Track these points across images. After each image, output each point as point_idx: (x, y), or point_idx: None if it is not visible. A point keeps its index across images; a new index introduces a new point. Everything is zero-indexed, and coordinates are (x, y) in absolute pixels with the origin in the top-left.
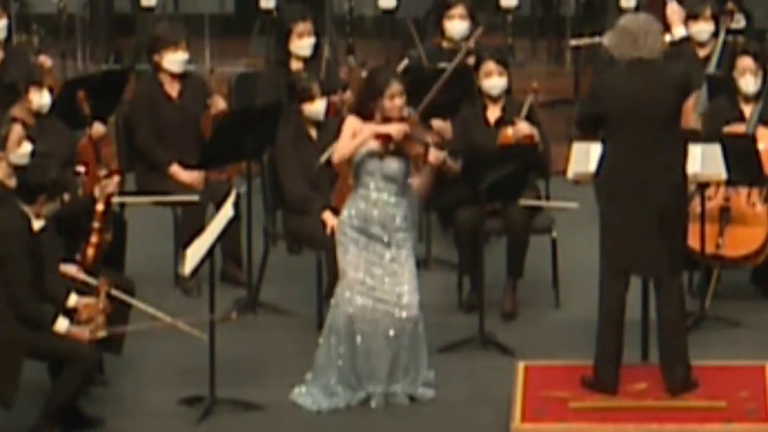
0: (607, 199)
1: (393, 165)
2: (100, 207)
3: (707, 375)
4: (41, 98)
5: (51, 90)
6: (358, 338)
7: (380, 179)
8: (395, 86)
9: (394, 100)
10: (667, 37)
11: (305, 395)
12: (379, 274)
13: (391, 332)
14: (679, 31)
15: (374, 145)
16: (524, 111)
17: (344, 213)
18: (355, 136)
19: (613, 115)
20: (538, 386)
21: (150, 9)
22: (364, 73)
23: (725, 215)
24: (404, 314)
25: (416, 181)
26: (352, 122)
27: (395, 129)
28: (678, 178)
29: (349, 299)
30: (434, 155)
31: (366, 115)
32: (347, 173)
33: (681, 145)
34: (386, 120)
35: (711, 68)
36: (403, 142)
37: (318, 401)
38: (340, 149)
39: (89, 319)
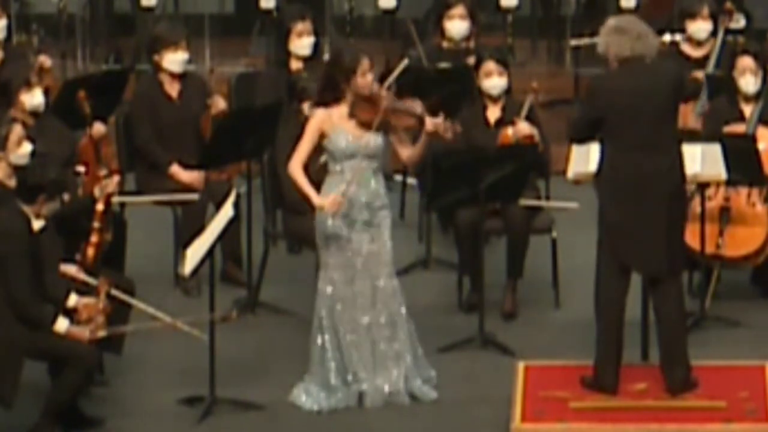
0: (608, 196)
1: (373, 142)
2: (100, 207)
3: (707, 375)
4: (33, 98)
5: (47, 90)
6: (341, 331)
7: (362, 159)
8: (366, 62)
9: (366, 75)
10: (678, 37)
11: (305, 395)
12: (360, 262)
13: (366, 321)
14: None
15: (351, 132)
16: (524, 111)
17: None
18: (322, 133)
19: (612, 115)
20: (538, 386)
21: (150, 9)
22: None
23: (725, 215)
24: (380, 303)
25: (406, 152)
26: (318, 119)
27: (331, 204)
28: (677, 176)
29: (330, 295)
30: (431, 122)
31: (334, 100)
32: None
33: (677, 143)
34: (357, 99)
35: (710, 68)
36: (391, 117)
37: (318, 401)
38: (294, 170)
39: (89, 319)
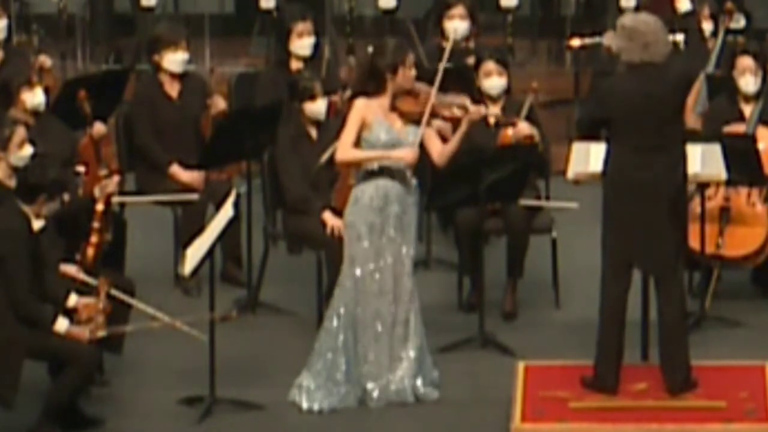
0: (614, 197)
1: (413, 136)
2: (100, 207)
3: (707, 375)
4: (34, 97)
5: (47, 90)
6: (361, 326)
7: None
8: (412, 56)
9: (411, 69)
10: (679, 36)
11: (305, 394)
12: (387, 260)
13: (388, 316)
14: (684, 5)
15: (392, 125)
16: (524, 111)
17: (362, 194)
18: (364, 122)
19: (619, 118)
20: (538, 386)
21: (150, 9)
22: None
23: (725, 215)
24: (401, 301)
25: (437, 148)
26: (360, 108)
27: (410, 154)
28: (681, 176)
29: (354, 288)
30: (475, 110)
31: (376, 91)
32: (347, 173)
33: (683, 143)
34: (399, 92)
35: (710, 68)
36: (439, 108)
37: (318, 401)
38: (345, 153)
39: (89, 319)
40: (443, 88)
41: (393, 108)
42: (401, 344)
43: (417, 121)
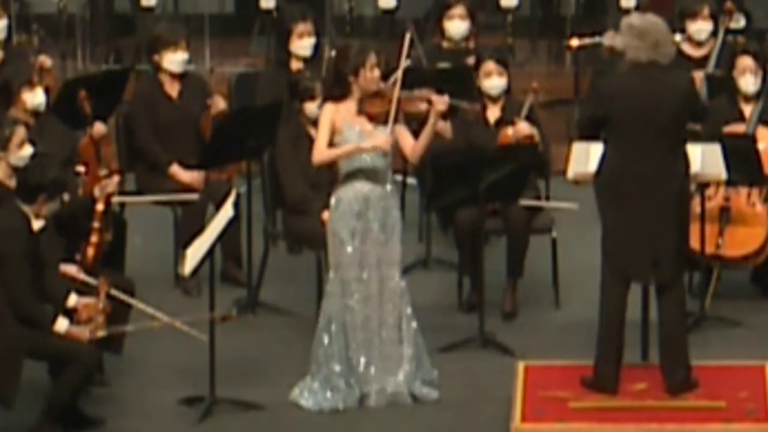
0: (608, 202)
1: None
2: (100, 207)
3: (707, 375)
4: (35, 98)
5: (47, 89)
6: (351, 331)
7: (375, 157)
8: (373, 57)
9: (374, 70)
10: (678, 37)
11: (305, 395)
12: (373, 263)
13: (376, 321)
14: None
15: (361, 128)
16: (524, 111)
17: (340, 200)
18: (334, 126)
19: (616, 117)
20: (538, 386)
21: (150, 9)
22: (333, 53)
23: (725, 215)
24: (390, 304)
25: (409, 145)
26: (329, 111)
27: (383, 141)
28: (679, 184)
29: (342, 294)
30: (440, 101)
31: (342, 96)
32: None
33: (683, 152)
34: (365, 95)
35: (710, 68)
36: (405, 105)
37: (319, 401)
38: (321, 154)
39: (89, 319)
40: (443, 89)
41: (360, 111)
42: (394, 347)
43: (386, 122)
